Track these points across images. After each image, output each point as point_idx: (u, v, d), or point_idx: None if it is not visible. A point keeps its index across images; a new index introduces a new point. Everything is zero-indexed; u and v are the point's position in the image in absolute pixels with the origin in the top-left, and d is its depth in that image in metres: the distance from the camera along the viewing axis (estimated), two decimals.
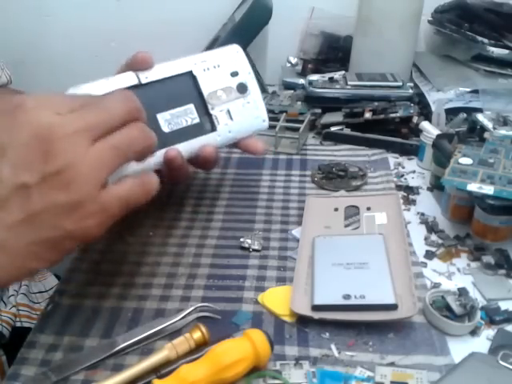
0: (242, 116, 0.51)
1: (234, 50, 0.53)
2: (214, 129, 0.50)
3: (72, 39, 1.05)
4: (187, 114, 0.49)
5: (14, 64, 0.81)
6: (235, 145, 0.53)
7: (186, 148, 0.49)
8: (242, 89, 0.51)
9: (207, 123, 0.50)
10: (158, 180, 0.39)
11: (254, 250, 0.52)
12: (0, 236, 0.32)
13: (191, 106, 0.49)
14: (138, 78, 0.48)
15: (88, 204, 0.33)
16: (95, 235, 0.35)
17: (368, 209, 0.56)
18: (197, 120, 0.49)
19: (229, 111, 0.51)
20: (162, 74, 0.48)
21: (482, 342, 0.41)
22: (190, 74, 0.50)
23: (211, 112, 0.50)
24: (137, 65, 0.48)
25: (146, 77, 0.48)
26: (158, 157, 0.45)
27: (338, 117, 0.76)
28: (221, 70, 0.51)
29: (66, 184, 0.32)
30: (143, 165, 0.39)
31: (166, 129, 0.48)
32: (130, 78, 0.47)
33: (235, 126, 0.51)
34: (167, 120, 0.48)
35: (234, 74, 0.51)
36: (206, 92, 0.50)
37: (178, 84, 0.49)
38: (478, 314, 0.42)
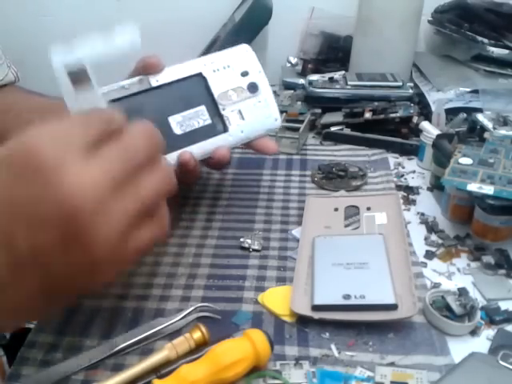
0: (253, 115, 0.51)
1: (244, 50, 0.53)
2: (225, 129, 0.50)
3: (72, 40, 1.05)
4: (199, 116, 0.49)
5: (13, 64, 0.81)
6: (247, 145, 0.53)
7: (198, 150, 0.49)
8: (253, 88, 0.51)
9: (219, 124, 0.50)
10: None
11: (254, 250, 0.52)
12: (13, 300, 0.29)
13: (203, 108, 0.49)
14: (148, 81, 0.48)
15: (105, 265, 0.30)
16: (100, 287, 0.32)
17: (368, 209, 0.56)
18: (209, 121, 0.50)
19: (240, 111, 0.51)
20: (172, 76, 0.49)
21: (481, 342, 0.41)
22: (199, 75, 0.50)
23: (222, 113, 0.50)
24: (147, 69, 0.48)
25: (157, 80, 0.48)
26: (170, 159, 0.46)
27: (337, 117, 0.76)
28: (231, 70, 0.51)
29: (84, 247, 0.29)
30: None
31: (178, 131, 0.48)
32: (140, 83, 0.48)
33: (247, 125, 0.51)
34: (179, 122, 0.48)
35: (245, 74, 0.51)
36: (216, 93, 0.50)
37: (189, 86, 0.49)
38: (478, 314, 0.42)
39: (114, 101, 0.47)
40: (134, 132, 0.32)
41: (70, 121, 0.31)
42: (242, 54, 0.52)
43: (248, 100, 0.51)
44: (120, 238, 0.30)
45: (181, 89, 0.49)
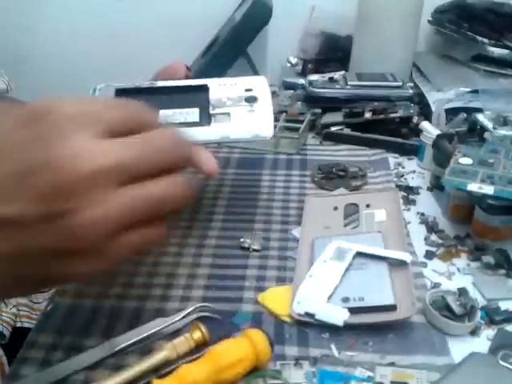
0: (241, 120, 0.52)
1: (260, 78, 0.54)
2: (208, 124, 0.51)
3: (72, 39, 1.05)
4: (189, 114, 0.50)
5: (14, 64, 0.81)
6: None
7: None
8: (251, 100, 0.52)
9: (204, 121, 0.51)
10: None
11: (254, 250, 0.52)
12: None
13: (196, 110, 0.51)
14: (156, 82, 0.51)
15: (91, 254, 0.28)
16: (83, 280, 0.31)
17: (367, 206, 0.56)
18: (196, 119, 0.51)
19: (229, 114, 0.51)
20: (178, 82, 0.52)
21: (482, 342, 0.41)
22: (204, 86, 0.52)
23: (211, 112, 0.51)
24: (169, 72, 0.49)
25: (164, 84, 0.51)
26: None
27: (337, 117, 0.76)
28: (236, 86, 0.53)
29: (70, 229, 0.26)
30: None
31: (162, 121, 0.50)
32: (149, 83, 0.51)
33: (231, 127, 0.51)
34: (168, 116, 0.49)
35: (248, 90, 0.53)
36: (213, 98, 0.51)
37: (190, 92, 0.51)
38: (478, 314, 0.42)
39: (117, 91, 0.50)
40: (164, 134, 0.30)
41: (104, 102, 0.30)
42: (255, 80, 0.54)
43: (241, 107, 0.52)
44: (111, 227, 0.27)
45: (182, 93, 0.51)
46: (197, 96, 0.52)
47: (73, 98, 0.28)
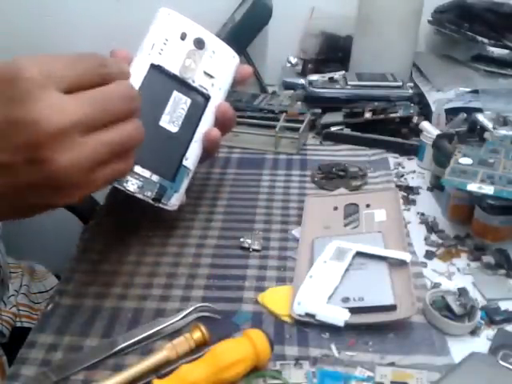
0: (217, 67, 0.51)
1: (165, 14, 0.52)
2: (206, 97, 0.50)
3: (72, 39, 1.05)
4: (178, 103, 0.49)
5: None
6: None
7: (203, 130, 0.50)
8: (200, 44, 0.51)
9: (198, 97, 0.50)
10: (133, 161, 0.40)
11: (254, 250, 0.52)
12: None
13: (175, 93, 0.49)
14: None
15: (73, 188, 0.35)
16: (74, 203, 0.37)
17: (367, 206, 0.56)
18: (189, 101, 0.49)
19: (205, 72, 0.50)
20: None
21: (482, 342, 0.41)
22: (152, 66, 0.48)
23: (194, 85, 0.50)
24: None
25: None
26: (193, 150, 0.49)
27: (337, 117, 0.76)
28: (171, 41, 0.50)
29: (53, 171, 0.33)
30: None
31: (174, 129, 0.48)
32: None
33: (219, 80, 0.51)
34: (169, 121, 0.48)
35: (184, 37, 0.50)
36: (176, 71, 0.49)
37: (150, 83, 0.48)
38: (478, 314, 0.42)
39: None
40: (118, 86, 0.36)
41: (63, 57, 0.34)
42: (167, 21, 0.51)
43: (204, 57, 0.50)
44: (86, 168, 0.34)
45: (146, 91, 0.47)
46: (159, 80, 0.49)
47: (35, 57, 0.33)
